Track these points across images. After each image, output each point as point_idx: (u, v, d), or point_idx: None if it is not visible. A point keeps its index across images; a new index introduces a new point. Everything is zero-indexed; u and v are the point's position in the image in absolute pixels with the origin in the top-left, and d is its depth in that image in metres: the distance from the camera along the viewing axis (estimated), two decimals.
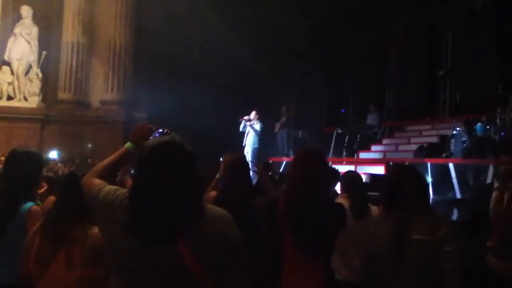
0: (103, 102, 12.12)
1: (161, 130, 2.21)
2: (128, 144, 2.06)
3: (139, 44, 12.22)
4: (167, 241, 1.61)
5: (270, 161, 10.09)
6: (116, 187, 1.84)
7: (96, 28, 12.24)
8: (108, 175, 1.97)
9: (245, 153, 10.39)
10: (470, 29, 11.78)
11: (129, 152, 2.04)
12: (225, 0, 11.52)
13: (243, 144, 10.78)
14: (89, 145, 11.24)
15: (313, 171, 2.61)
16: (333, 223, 2.60)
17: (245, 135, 10.80)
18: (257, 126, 10.68)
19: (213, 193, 3.29)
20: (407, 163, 9.02)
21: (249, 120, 10.68)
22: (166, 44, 11.40)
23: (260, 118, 10.87)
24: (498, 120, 8.63)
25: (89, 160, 9.68)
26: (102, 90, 12.14)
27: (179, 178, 1.65)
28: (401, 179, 2.61)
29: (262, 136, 10.98)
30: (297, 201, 2.58)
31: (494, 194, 3.66)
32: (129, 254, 1.65)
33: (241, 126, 10.76)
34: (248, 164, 3.38)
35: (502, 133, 8.35)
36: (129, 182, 3.43)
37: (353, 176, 3.94)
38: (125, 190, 1.77)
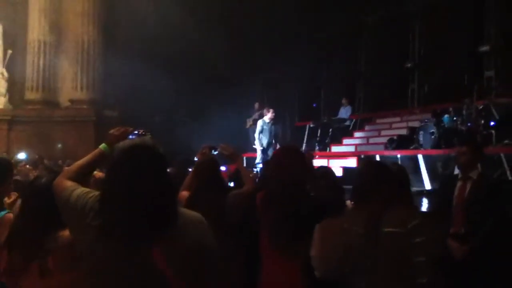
0: (72, 101, 11.93)
1: (136, 132, 2.19)
2: (103, 146, 2.03)
3: (109, 42, 12.06)
4: (140, 247, 1.59)
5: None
6: (88, 189, 1.80)
7: (63, 26, 12.02)
8: (81, 176, 1.93)
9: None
10: (437, 21, 12.04)
11: (104, 154, 2.01)
12: None
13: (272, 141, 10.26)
14: (59, 146, 11.06)
15: (291, 168, 2.65)
16: (311, 218, 2.62)
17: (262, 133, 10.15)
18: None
19: (185, 194, 3.19)
20: (377, 156, 9.22)
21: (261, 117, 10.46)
22: (136, 41, 11.29)
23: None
24: (464, 111, 8.84)
25: (60, 161, 9.52)
26: (71, 89, 11.96)
27: (150, 182, 1.61)
28: (372, 173, 2.63)
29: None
30: (275, 196, 2.62)
31: (458, 184, 3.79)
32: (102, 259, 1.62)
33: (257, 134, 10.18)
34: (218, 165, 3.32)
35: (469, 124, 8.56)
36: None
37: (324, 172, 3.94)
38: (97, 193, 1.73)
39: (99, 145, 2.05)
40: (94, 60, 11.92)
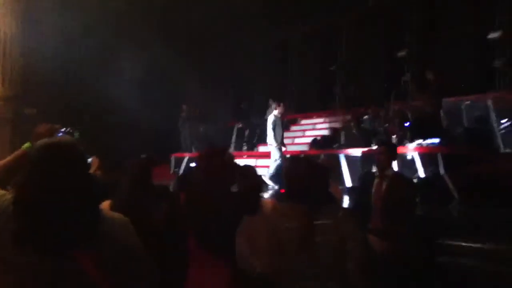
0: None
1: (63, 130, 2.12)
2: (26, 145, 1.94)
3: (30, 35, 11.42)
4: (60, 252, 1.48)
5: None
6: (3, 192, 1.67)
7: None
8: (3, 178, 1.84)
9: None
10: (361, 29, 12.70)
11: (27, 154, 1.89)
12: None
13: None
14: None
15: (213, 170, 2.68)
16: (234, 220, 2.66)
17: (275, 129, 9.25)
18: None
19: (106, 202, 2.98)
20: (302, 155, 9.53)
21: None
22: (58, 36, 10.81)
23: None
24: (382, 113, 9.41)
25: None
26: None
27: (66, 183, 1.51)
28: (299, 171, 2.67)
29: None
30: (198, 197, 2.63)
31: (375, 181, 4.07)
32: (19, 265, 1.49)
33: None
34: (149, 168, 3.22)
35: (386, 125, 9.12)
36: None
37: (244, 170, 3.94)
38: (11, 195, 1.59)
39: (16, 145, 1.95)
40: (12, 54, 11.25)
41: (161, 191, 3.23)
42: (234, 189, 3.00)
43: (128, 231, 1.66)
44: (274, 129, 9.10)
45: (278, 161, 8.91)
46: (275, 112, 9.25)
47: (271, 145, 9.20)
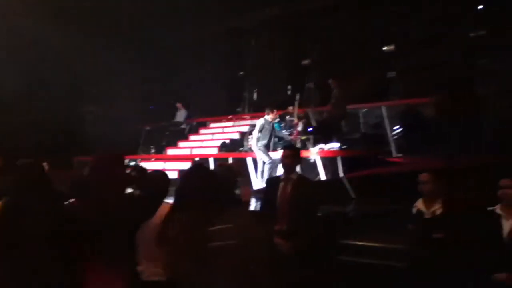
0: None
1: None
2: None
3: None
4: None
5: None
6: None
7: None
8: None
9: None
10: (267, 37, 13.07)
11: None
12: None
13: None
14: None
15: (107, 175, 2.63)
16: (128, 226, 2.62)
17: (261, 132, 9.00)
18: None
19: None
20: (211, 159, 9.64)
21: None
22: None
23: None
24: (287, 118, 9.80)
25: None
26: None
27: None
28: (189, 177, 2.71)
29: None
30: (92, 205, 2.56)
31: (281, 184, 4.26)
32: None
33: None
34: (42, 170, 3.03)
35: (290, 130, 9.50)
36: None
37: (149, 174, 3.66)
38: None
39: None
40: None
41: (56, 195, 3.12)
42: (136, 193, 2.96)
43: None
44: (260, 131, 8.97)
45: (268, 162, 8.71)
46: (267, 116, 9.09)
47: (253, 148, 9.06)
